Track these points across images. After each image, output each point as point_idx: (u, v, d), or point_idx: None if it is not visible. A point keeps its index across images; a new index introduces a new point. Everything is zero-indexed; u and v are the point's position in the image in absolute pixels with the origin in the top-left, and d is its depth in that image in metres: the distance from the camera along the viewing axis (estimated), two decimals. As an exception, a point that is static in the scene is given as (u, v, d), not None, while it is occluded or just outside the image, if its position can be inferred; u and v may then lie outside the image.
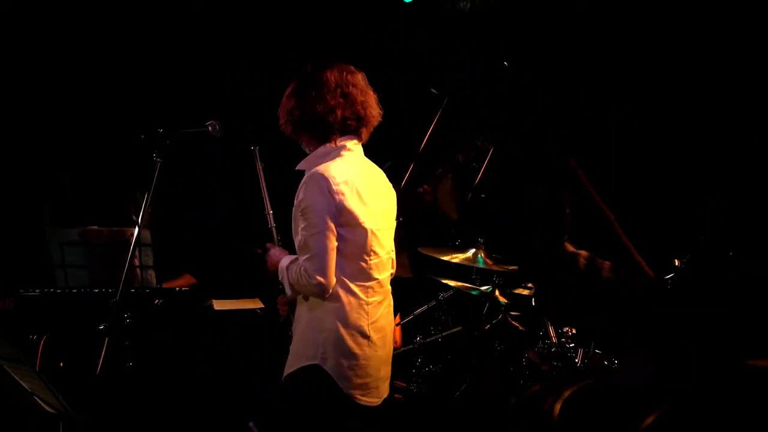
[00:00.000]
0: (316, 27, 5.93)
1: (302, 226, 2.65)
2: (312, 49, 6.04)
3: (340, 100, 2.74)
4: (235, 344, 3.91)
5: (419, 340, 4.15)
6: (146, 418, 3.74)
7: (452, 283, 4.15)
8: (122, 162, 4.79)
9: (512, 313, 4.06)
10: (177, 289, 3.89)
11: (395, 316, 4.70)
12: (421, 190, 4.95)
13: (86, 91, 5.51)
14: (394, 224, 2.87)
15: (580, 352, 3.68)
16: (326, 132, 2.74)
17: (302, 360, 2.69)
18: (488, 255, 4.00)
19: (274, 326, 3.63)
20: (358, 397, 2.66)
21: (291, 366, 2.73)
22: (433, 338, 4.12)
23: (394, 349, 3.00)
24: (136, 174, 3.26)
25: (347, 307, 2.67)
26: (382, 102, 2.90)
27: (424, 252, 4.14)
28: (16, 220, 5.15)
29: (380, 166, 2.99)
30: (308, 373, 2.66)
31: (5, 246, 5.04)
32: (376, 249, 2.71)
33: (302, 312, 2.76)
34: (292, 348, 2.76)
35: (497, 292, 4.06)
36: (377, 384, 2.72)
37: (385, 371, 2.78)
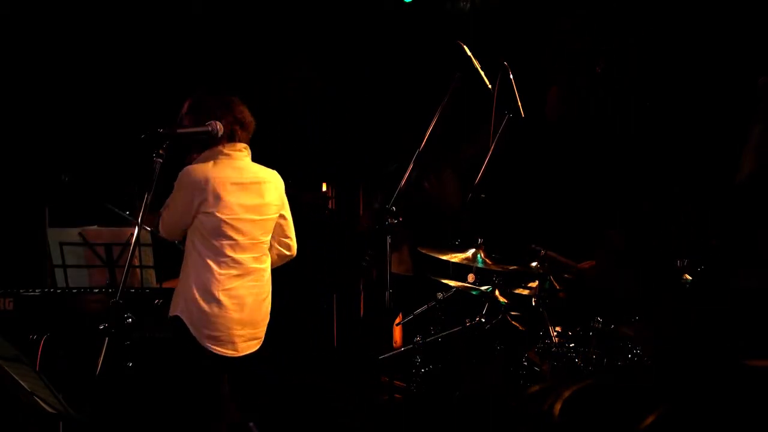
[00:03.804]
0: (317, 27, 5.94)
1: (168, 200, 3.39)
2: (313, 49, 6.05)
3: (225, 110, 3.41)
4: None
5: (419, 340, 4.14)
6: (146, 418, 3.73)
7: (452, 283, 4.15)
8: (122, 162, 4.79)
9: (512, 313, 4.06)
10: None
11: (396, 316, 4.72)
12: (426, 185, 4.94)
13: (86, 91, 5.51)
14: (266, 217, 3.48)
15: (580, 352, 3.68)
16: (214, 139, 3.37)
17: (173, 310, 3.38)
18: (488, 255, 3.99)
19: (273, 326, 3.64)
20: (210, 346, 3.33)
21: (168, 314, 3.41)
22: (433, 338, 4.12)
23: (394, 349, 3.15)
24: (136, 174, 3.27)
25: (201, 274, 3.34)
26: (382, 101, 2.95)
27: (423, 251, 4.14)
28: (16, 220, 5.15)
29: (387, 167, 3.01)
30: (174, 321, 3.36)
31: (5, 246, 5.04)
32: (231, 234, 3.35)
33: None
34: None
35: (497, 292, 4.05)
36: (232, 339, 3.38)
37: (244, 332, 3.42)
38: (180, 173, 3.35)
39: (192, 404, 3.40)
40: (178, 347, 3.39)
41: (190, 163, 3.41)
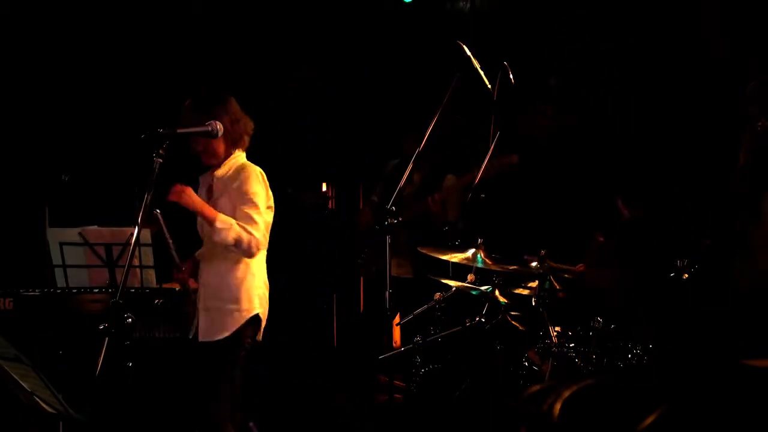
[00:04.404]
0: (317, 27, 5.93)
1: (253, 205, 3.42)
2: (313, 49, 6.05)
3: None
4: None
5: (419, 340, 4.14)
6: (146, 418, 3.73)
7: (452, 283, 4.15)
8: (122, 162, 4.79)
9: (512, 313, 4.05)
10: (177, 289, 3.89)
11: (395, 316, 4.71)
12: (429, 200, 4.92)
13: (86, 91, 5.51)
14: None
15: (580, 352, 3.68)
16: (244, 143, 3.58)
17: (246, 314, 3.47)
18: (488, 255, 3.99)
19: (272, 325, 3.64)
20: (259, 334, 3.56)
21: (236, 323, 3.45)
22: (433, 338, 4.12)
23: (394, 349, 3.19)
24: (137, 174, 3.27)
25: (262, 267, 3.58)
26: (382, 101, 2.95)
27: (423, 252, 4.13)
28: (16, 220, 5.15)
29: (387, 164, 2.96)
30: (253, 320, 3.50)
31: (5, 246, 5.04)
32: None
33: (230, 281, 3.47)
34: (233, 309, 3.46)
35: (497, 292, 4.05)
36: None
37: None
38: (254, 174, 3.46)
39: (235, 397, 3.50)
40: (249, 343, 3.50)
41: (218, 160, 3.49)
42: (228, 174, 3.50)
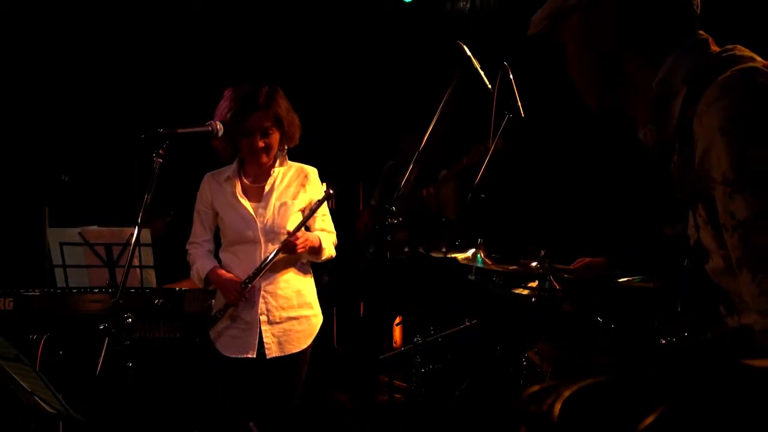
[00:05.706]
0: (317, 27, 5.94)
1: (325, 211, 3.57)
2: (313, 49, 6.05)
3: None
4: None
5: (419, 340, 4.13)
6: (146, 419, 3.74)
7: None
8: (122, 162, 4.80)
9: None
10: (177, 289, 3.90)
11: (396, 316, 4.71)
12: (424, 193, 4.93)
13: (86, 91, 5.52)
14: None
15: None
16: None
17: (320, 317, 3.56)
18: (488, 255, 3.99)
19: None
20: None
21: (315, 329, 3.52)
22: (433, 338, 4.11)
23: (394, 349, 3.27)
24: (137, 174, 3.27)
25: None
26: (382, 101, 2.96)
27: (423, 252, 4.14)
28: (16, 220, 5.15)
29: (384, 164, 3.02)
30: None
31: (5, 246, 5.04)
32: None
33: (301, 288, 3.48)
34: (310, 315, 3.51)
35: (497, 292, 4.05)
36: None
37: None
38: (317, 175, 3.56)
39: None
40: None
41: (271, 157, 3.47)
42: (290, 171, 3.55)
